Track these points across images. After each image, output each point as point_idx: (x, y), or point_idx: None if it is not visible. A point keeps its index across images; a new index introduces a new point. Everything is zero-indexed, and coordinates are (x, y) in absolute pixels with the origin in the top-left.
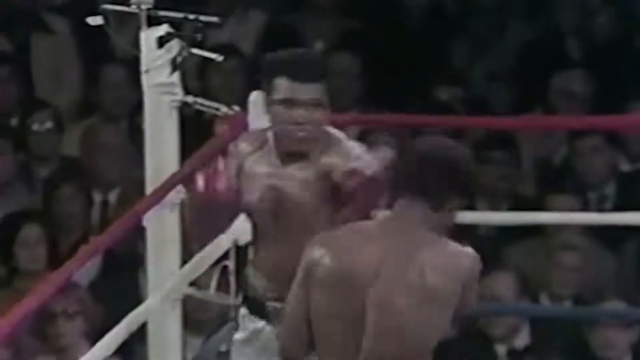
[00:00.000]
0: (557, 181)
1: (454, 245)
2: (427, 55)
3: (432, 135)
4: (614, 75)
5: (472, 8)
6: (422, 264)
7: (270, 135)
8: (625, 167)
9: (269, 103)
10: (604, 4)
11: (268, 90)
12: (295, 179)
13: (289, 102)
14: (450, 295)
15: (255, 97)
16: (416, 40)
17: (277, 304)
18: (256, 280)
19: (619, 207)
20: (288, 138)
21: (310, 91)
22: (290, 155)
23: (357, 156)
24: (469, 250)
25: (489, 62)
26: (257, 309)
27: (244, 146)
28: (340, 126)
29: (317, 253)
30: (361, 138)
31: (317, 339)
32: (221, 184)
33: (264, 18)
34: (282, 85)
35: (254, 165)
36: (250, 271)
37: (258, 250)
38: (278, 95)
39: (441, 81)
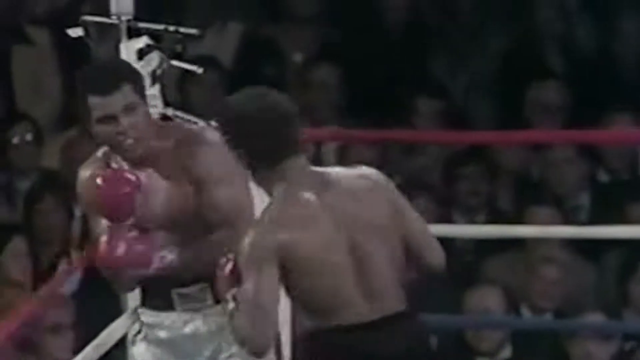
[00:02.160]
0: (534, 193)
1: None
2: (406, 66)
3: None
4: (593, 86)
5: (451, 19)
6: (352, 186)
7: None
8: (602, 177)
9: (93, 123)
10: (584, 14)
11: (87, 110)
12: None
13: (105, 119)
14: (383, 181)
15: None
16: (396, 52)
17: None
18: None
19: (595, 219)
20: (122, 151)
21: (117, 100)
22: (138, 163)
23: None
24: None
25: (468, 74)
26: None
27: (85, 174)
28: (319, 141)
29: (286, 236)
30: (341, 151)
31: (315, 307)
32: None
33: (242, 29)
34: (93, 104)
35: None
36: None
37: None
38: (95, 114)
39: (421, 93)
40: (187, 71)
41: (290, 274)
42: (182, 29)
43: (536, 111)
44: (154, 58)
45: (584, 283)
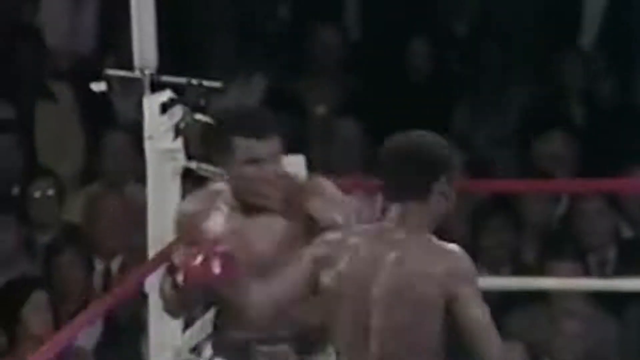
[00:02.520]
0: (558, 246)
1: (439, 247)
2: (430, 117)
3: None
4: (614, 139)
5: (476, 70)
6: (409, 270)
7: (225, 190)
8: (626, 232)
9: (227, 161)
10: (609, 69)
11: (225, 148)
12: (263, 230)
13: (252, 162)
14: (435, 297)
15: None
16: (420, 102)
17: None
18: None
19: (620, 273)
20: (254, 196)
21: (269, 147)
22: (252, 207)
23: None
24: (454, 249)
25: (491, 126)
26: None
27: (189, 206)
28: (347, 189)
29: (333, 256)
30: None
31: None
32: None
33: (266, 82)
34: (243, 145)
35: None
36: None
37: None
38: (239, 155)
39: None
40: (210, 125)
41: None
42: (205, 82)
43: (553, 163)
44: (177, 111)
45: (606, 337)
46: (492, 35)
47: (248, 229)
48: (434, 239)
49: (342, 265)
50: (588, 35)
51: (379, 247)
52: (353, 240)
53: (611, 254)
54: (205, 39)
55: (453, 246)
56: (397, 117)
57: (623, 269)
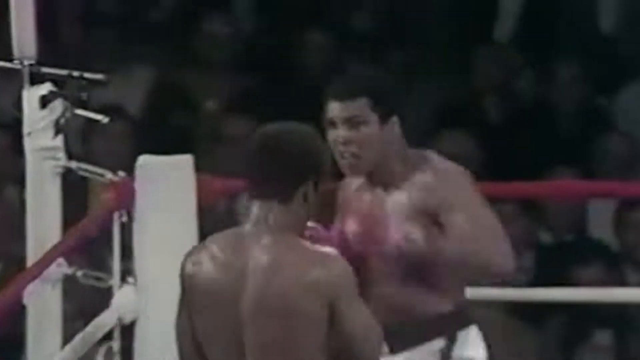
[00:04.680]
0: None
1: (313, 251)
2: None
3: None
4: (531, 138)
5: (378, 65)
6: (279, 281)
7: None
8: (545, 238)
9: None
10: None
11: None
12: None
13: (328, 124)
14: (316, 308)
15: (143, 161)
16: (316, 99)
17: None
18: None
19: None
20: (341, 161)
21: (348, 109)
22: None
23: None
24: (329, 253)
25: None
26: None
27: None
28: (233, 193)
29: (193, 268)
30: None
31: None
32: None
33: (151, 75)
34: (327, 107)
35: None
36: None
37: None
38: (325, 118)
39: None
40: (91, 120)
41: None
42: (86, 75)
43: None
44: (58, 106)
45: (525, 349)
46: (397, 30)
47: None
48: (305, 242)
49: (201, 277)
50: (504, 29)
51: (244, 252)
52: (212, 247)
53: (527, 261)
54: (85, 29)
55: (327, 249)
56: (292, 114)
57: (542, 277)
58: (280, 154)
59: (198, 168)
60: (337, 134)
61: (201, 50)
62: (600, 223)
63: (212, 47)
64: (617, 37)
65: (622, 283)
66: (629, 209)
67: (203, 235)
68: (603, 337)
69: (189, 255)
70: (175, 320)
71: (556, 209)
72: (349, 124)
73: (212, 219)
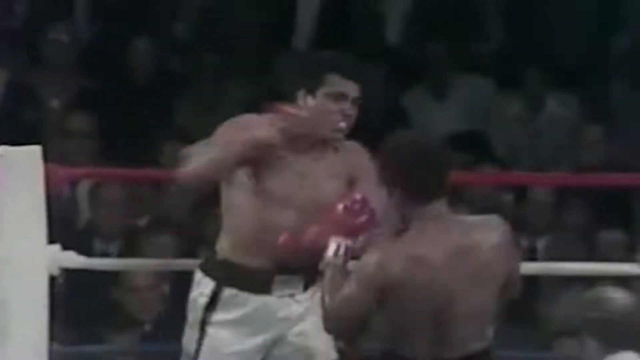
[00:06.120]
0: None
1: (481, 220)
2: (154, 113)
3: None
4: None
5: (196, 69)
6: (475, 248)
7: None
8: None
9: (311, 96)
10: None
11: (313, 84)
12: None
13: (338, 97)
14: (498, 265)
15: (3, 153)
16: (143, 99)
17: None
18: (243, 257)
19: None
20: (327, 131)
21: (355, 89)
22: (313, 144)
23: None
24: (494, 218)
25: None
26: (258, 284)
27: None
28: (74, 180)
29: (394, 267)
30: (94, 191)
31: (401, 334)
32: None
33: (5, 76)
34: (333, 80)
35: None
36: (225, 250)
37: (243, 222)
38: (329, 89)
39: (167, 138)
40: None
41: (386, 302)
42: None
43: None
44: None
45: None
46: (211, 36)
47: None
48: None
49: (413, 275)
50: (302, 36)
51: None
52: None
53: None
54: None
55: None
56: (125, 112)
57: None
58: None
59: (46, 158)
60: (345, 107)
61: (47, 54)
62: None
63: (57, 51)
64: (402, 47)
65: None
66: None
67: (50, 217)
68: None
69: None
70: (354, 291)
71: None
72: (354, 102)
73: (57, 203)
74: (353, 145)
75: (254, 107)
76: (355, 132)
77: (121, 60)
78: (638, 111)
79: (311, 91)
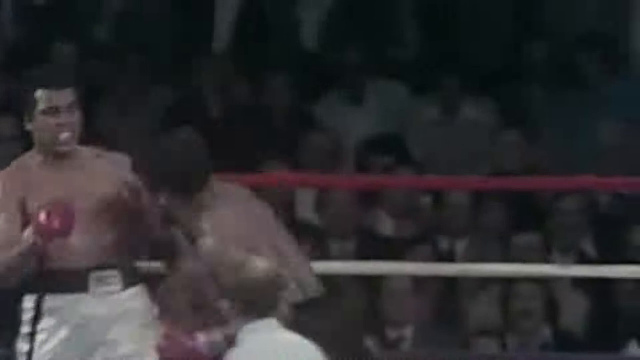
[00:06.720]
0: None
1: None
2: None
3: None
4: (249, 135)
5: (117, 72)
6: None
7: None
8: None
9: (33, 117)
10: (240, 71)
11: (31, 105)
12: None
13: (49, 111)
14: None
15: None
16: None
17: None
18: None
19: None
20: (55, 144)
21: (66, 96)
22: (57, 157)
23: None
24: None
25: (134, 121)
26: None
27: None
28: None
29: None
30: None
31: None
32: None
33: None
34: (42, 97)
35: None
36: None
37: None
38: (41, 106)
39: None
40: None
41: None
42: None
43: None
44: None
45: None
46: (133, 40)
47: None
48: None
49: None
50: (221, 40)
51: None
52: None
53: None
54: None
55: None
56: None
57: None
58: None
59: None
60: (60, 120)
61: None
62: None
63: None
64: (318, 53)
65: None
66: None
67: None
68: None
69: None
70: None
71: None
72: (70, 109)
73: None
74: (117, 157)
75: (178, 106)
76: (260, 133)
77: (44, 62)
78: (554, 115)
79: (30, 114)
